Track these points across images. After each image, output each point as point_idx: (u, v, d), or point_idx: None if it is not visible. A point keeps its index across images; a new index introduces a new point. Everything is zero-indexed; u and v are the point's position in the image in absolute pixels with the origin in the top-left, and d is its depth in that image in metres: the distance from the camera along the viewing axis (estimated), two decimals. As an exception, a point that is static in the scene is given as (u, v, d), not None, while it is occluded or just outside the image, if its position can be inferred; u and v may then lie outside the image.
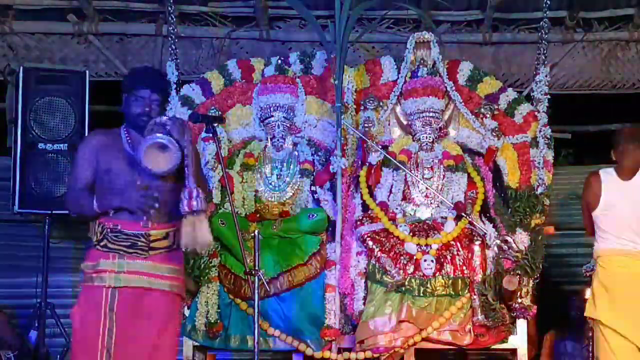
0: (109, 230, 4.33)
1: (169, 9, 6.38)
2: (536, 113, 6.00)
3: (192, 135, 4.41)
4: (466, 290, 5.51)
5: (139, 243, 4.35)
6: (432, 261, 5.50)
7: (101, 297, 4.30)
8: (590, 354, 5.85)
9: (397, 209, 5.83)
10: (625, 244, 5.21)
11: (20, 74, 6.47)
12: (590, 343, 5.83)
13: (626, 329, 5.11)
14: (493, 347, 5.62)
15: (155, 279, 4.38)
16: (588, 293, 5.68)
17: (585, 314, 5.37)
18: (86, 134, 6.44)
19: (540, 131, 5.92)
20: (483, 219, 5.83)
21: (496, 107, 6.03)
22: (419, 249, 5.55)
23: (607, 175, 5.32)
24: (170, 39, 6.31)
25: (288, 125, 6.07)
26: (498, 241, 5.58)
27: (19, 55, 7.19)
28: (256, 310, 4.49)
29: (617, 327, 5.12)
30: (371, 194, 5.86)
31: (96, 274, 4.32)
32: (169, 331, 4.44)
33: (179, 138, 4.29)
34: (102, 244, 4.33)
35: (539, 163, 5.85)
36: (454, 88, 6.12)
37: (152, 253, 4.37)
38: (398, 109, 6.19)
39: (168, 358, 4.44)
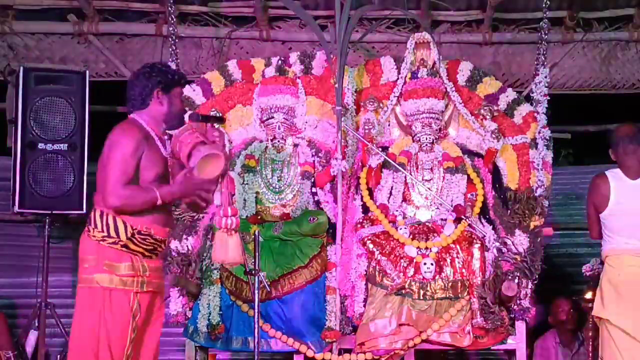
0: (136, 232, 4.22)
1: (169, 9, 6.38)
2: (535, 114, 6.00)
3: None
4: (465, 293, 5.52)
5: (159, 248, 4.33)
6: (432, 264, 5.51)
7: (128, 301, 4.20)
8: (590, 355, 5.85)
9: (397, 211, 5.84)
10: (635, 244, 5.18)
11: (20, 74, 6.46)
12: (591, 343, 5.84)
13: (635, 329, 5.09)
14: (492, 348, 5.64)
15: (159, 281, 4.40)
16: (589, 294, 5.70)
17: (592, 314, 5.34)
18: (86, 134, 6.46)
19: (539, 132, 5.92)
20: (482, 220, 5.83)
21: (496, 108, 6.02)
22: (419, 252, 5.56)
23: (615, 176, 5.29)
24: (170, 39, 6.30)
25: (288, 126, 6.07)
26: (497, 244, 5.58)
27: (19, 55, 7.19)
28: (256, 311, 4.51)
29: (625, 327, 5.10)
30: (371, 196, 5.86)
31: (122, 276, 4.19)
32: (160, 331, 4.47)
33: (223, 148, 4.30)
34: (122, 243, 4.20)
35: (538, 164, 5.85)
36: (454, 89, 6.12)
37: (158, 257, 4.38)
38: (398, 109, 6.18)
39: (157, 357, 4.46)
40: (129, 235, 4.20)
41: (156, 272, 4.34)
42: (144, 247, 4.26)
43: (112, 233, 4.19)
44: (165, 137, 4.41)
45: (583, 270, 5.83)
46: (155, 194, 4.17)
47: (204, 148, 4.16)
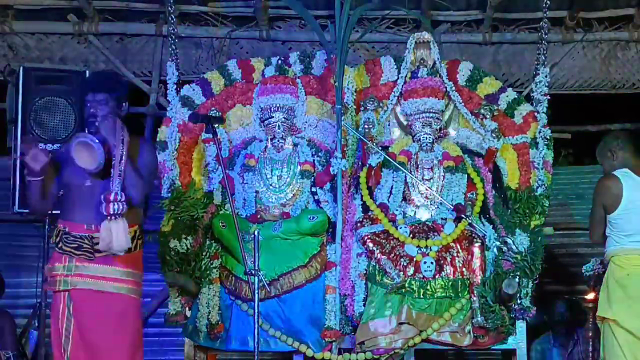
0: (62, 231, 4.50)
1: (169, 9, 6.38)
2: (536, 114, 5.99)
3: (126, 136, 4.55)
4: (466, 292, 5.52)
5: (84, 245, 4.46)
6: (432, 263, 5.50)
7: (60, 301, 4.46)
8: (591, 355, 5.84)
9: (397, 210, 5.84)
10: None
11: (20, 74, 6.44)
12: (591, 343, 5.83)
13: None
14: (492, 347, 5.63)
15: (104, 281, 4.45)
16: (590, 294, 5.68)
17: (597, 314, 5.31)
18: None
19: (539, 132, 5.91)
20: (483, 220, 5.83)
21: (496, 107, 6.02)
22: (419, 251, 5.56)
23: (626, 176, 5.28)
24: (170, 39, 6.29)
25: (288, 125, 6.07)
26: (497, 243, 5.58)
27: (19, 55, 7.21)
28: (256, 310, 4.50)
29: (630, 327, 5.09)
30: (371, 195, 5.86)
31: (52, 277, 4.49)
32: (124, 332, 4.54)
33: (107, 136, 4.46)
34: (59, 245, 4.51)
35: (538, 164, 5.85)
36: (454, 88, 6.11)
37: (98, 255, 4.46)
38: (398, 109, 6.18)
39: (125, 353, 4.55)
40: (57, 236, 4.51)
41: (96, 272, 4.46)
42: (70, 245, 4.46)
43: (53, 237, 4.60)
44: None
45: (583, 270, 5.81)
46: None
47: (76, 136, 4.56)
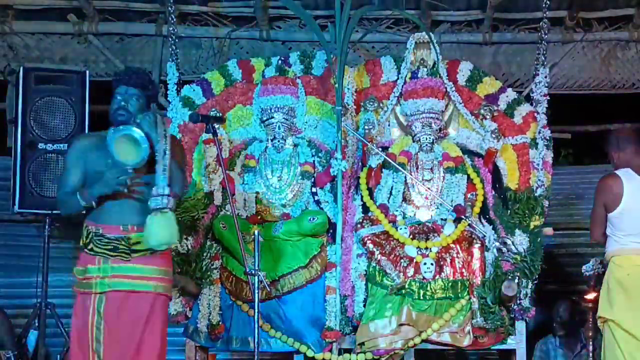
0: (93, 233, 4.44)
1: (169, 9, 6.38)
2: (535, 114, 6.00)
3: (168, 131, 4.49)
4: (465, 293, 5.52)
5: (120, 247, 4.43)
6: (431, 264, 5.51)
7: (90, 302, 4.41)
8: (591, 355, 5.84)
9: (397, 211, 5.84)
10: None
11: (20, 74, 6.45)
12: (591, 343, 5.83)
13: None
14: (492, 348, 5.64)
15: (142, 281, 4.44)
16: (590, 294, 5.68)
17: (598, 315, 5.29)
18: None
19: (539, 132, 5.92)
20: (482, 220, 5.83)
21: (496, 108, 6.03)
22: (419, 252, 5.56)
23: (628, 175, 5.27)
24: (170, 39, 6.30)
25: (288, 126, 6.07)
26: (497, 244, 5.58)
27: (19, 55, 7.20)
28: (256, 311, 4.51)
29: (629, 328, 5.08)
30: (371, 196, 5.86)
31: (85, 279, 4.43)
32: (156, 332, 4.51)
33: (149, 131, 4.39)
34: (89, 247, 4.45)
35: (538, 164, 5.85)
36: (454, 89, 6.12)
37: (135, 256, 4.44)
38: (398, 109, 6.18)
39: (154, 356, 4.50)
40: (87, 238, 4.44)
41: (131, 272, 4.44)
42: (104, 247, 4.41)
43: (82, 237, 4.49)
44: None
45: (583, 271, 5.81)
46: (76, 196, 4.43)
47: (117, 129, 4.42)
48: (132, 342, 4.43)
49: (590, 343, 5.83)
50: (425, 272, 5.50)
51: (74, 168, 4.51)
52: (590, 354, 5.84)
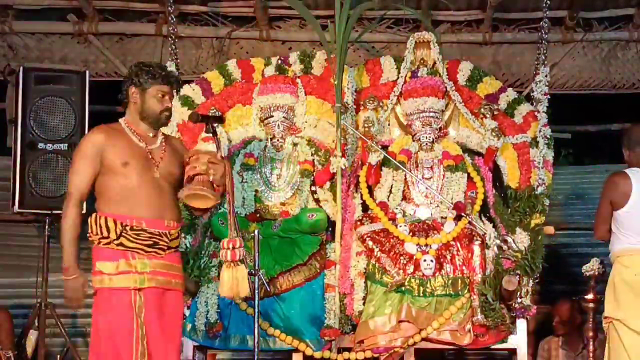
0: (128, 227, 4.28)
1: (169, 9, 6.41)
2: (536, 113, 6.00)
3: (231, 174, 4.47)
4: (466, 290, 5.52)
5: (160, 242, 4.34)
6: (431, 261, 5.50)
7: (129, 299, 4.26)
8: (591, 355, 5.82)
9: (396, 209, 5.84)
10: None
11: (20, 74, 6.46)
12: (591, 343, 5.81)
13: None
14: (493, 346, 5.62)
15: (172, 278, 4.41)
16: (590, 294, 5.67)
17: (605, 315, 5.26)
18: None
19: (540, 131, 5.92)
20: (483, 218, 5.82)
21: (496, 107, 6.02)
22: (419, 249, 5.56)
23: (635, 174, 5.24)
24: (170, 39, 6.32)
25: (288, 125, 6.07)
26: (498, 241, 5.57)
27: (19, 55, 7.20)
28: (256, 310, 4.49)
29: (637, 327, 5.06)
30: (371, 194, 5.86)
31: (119, 275, 4.26)
32: (179, 328, 4.52)
33: (219, 181, 4.39)
34: (117, 242, 4.27)
35: (538, 163, 5.85)
36: (454, 88, 6.12)
37: (168, 252, 4.39)
38: (398, 108, 6.18)
39: (179, 353, 4.51)
40: (119, 232, 4.26)
41: (164, 268, 4.37)
42: (142, 242, 4.29)
43: (105, 233, 4.27)
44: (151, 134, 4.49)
45: (583, 270, 5.79)
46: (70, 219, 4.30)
47: (189, 187, 4.34)
48: (172, 339, 4.40)
49: (591, 343, 5.81)
50: (425, 269, 5.50)
51: (86, 167, 4.34)
52: (591, 354, 5.81)
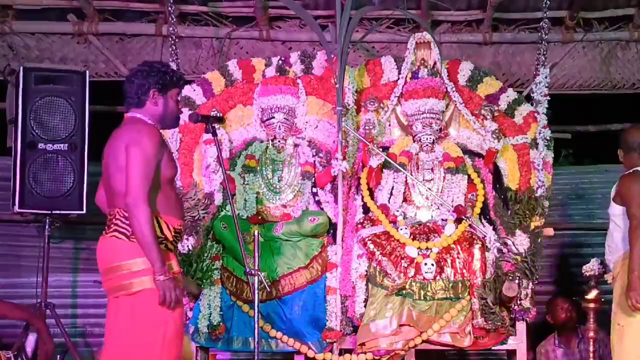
0: (176, 230, 4.28)
1: (169, 9, 6.39)
2: (536, 114, 5.99)
3: None
4: (466, 293, 5.53)
5: (177, 241, 4.36)
6: (432, 265, 5.51)
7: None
8: (592, 355, 5.82)
9: (397, 211, 5.84)
10: None
11: (20, 74, 6.44)
12: (592, 343, 5.81)
13: None
14: (493, 348, 5.64)
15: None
16: (592, 294, 5.66)
17: (619, 321, 5.18)
18: (86, 134, 6.44)
19: (540, 132, 5.92)
20: (483, 220, 5.83)
21: (496, 108, 6.02)
22: (420, 253, 5.57)
23: None
24: (170, 39, 6.30)
25: (289, 126, 6.07)
26: (498, 244, 5.58)
27: (19, 55, 7.17)
28: (256, 311, 4.50)
29: None
30: (372, 196, 5.86)
31: (175, 275, 4.22)
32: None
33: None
34: (169, 246, 4.25)
35: (538, 164, 5.85)
36: (454, 89, 6.12)
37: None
38: (398, 109, 6.18)
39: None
40: (173, 234, 4.25)
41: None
42: (176, 243, 4.34)
43: (159, 233, 4.16)
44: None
45: (583, 270, 5.80)
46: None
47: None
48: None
49: (591, 343, 5.80)
50: (425, 272, 5.51)
51: (151, 169, 4.15)
52: (591, 354, 5.81)
